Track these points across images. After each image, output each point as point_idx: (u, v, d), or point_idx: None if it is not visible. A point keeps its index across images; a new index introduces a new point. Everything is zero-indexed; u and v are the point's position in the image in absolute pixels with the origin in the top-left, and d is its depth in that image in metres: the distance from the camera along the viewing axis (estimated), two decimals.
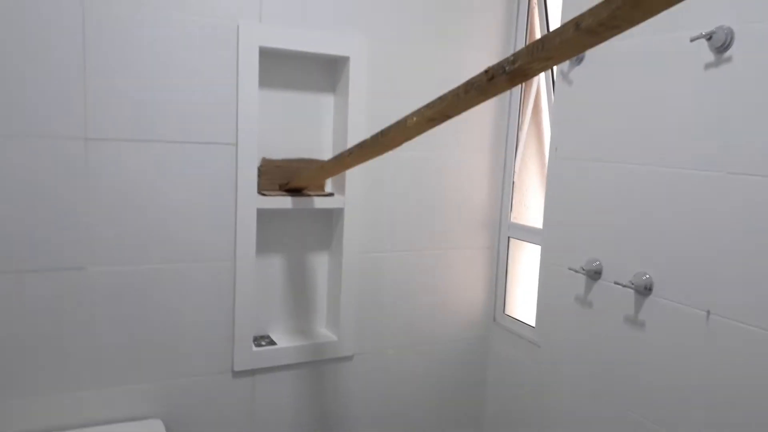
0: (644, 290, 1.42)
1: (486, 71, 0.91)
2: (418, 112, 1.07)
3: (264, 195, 1.63)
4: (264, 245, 1.72)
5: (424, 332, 1.95)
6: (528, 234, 1.96)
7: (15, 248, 1.36)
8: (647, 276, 1.42)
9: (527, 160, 2.06)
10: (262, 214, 1.67)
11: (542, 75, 1.95)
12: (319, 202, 1.71)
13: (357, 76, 1.70)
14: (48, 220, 1.38)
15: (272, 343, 1.73)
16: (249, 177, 1.59)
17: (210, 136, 1.52)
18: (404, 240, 1.86)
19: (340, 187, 1.76)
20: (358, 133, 1.70)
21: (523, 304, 2.07)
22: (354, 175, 1.73)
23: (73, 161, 1.39)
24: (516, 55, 0.86)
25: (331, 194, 1.75)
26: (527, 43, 1.94)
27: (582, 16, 0.73)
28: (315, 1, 1.62)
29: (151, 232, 1.49)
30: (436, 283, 1.95)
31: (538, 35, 1.95)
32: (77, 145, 1.38)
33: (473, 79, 0.94)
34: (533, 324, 1.88)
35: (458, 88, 0.96)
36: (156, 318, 1.53)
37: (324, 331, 1.85)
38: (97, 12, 1.37)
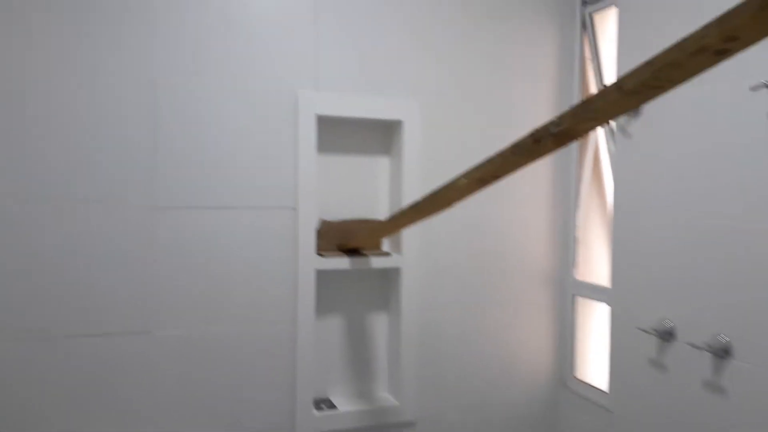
0: (722, 353, 1.32)
1: (532, 134, 0.91)
2: (467, 174, 1.08)
3: (322, 256, 1.67)
4: (323, 306, 1.74)
5: (489, 395, 1.88)
6: (595, 292, 1.88)
7: (85, 312, 1.45)
8: (724, 337, 1.32)
9: (590, 214, 2.00)
10: (321, 275, 1.71)
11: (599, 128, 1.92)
12: (377, 262, 1.72)
13: (410, 138, 1.74)
14: (117, 285, 1.47)
15: (333, 406, 1.72)
16: (308, 239, 1.64)
17: (271, 201, 1.59)
18: (464, 298, 1.83)
19: (397, 246, 1.77)
20: (412, 193, 1.72)
21: (593, 366, 1.96)
22: (411, 233, 1.74)
23: (141, 228, 1.48)
24: (561, 118, 0.86)
25: (387, 253, 1.76)
26: (580, 100, 1.93)
27: (624, 78, 0.72)
28: (368, 68, 1.69)
29: (214, 296, 1.55)
30: (499, 343, 1.89)
31: (593, 90, 1.94)
32: (145, 212, 1.48)
33: (520, 141, 0.94)
34: (605, 388, 1.77)
35: (505, 150, 0.97)
36: (218, 380, 1.57)
37: (385, 395, 1.83)
38: (166, 85, 1.49)
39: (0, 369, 1.39)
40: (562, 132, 0.87)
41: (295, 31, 1.61)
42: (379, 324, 1.84)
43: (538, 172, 1.90)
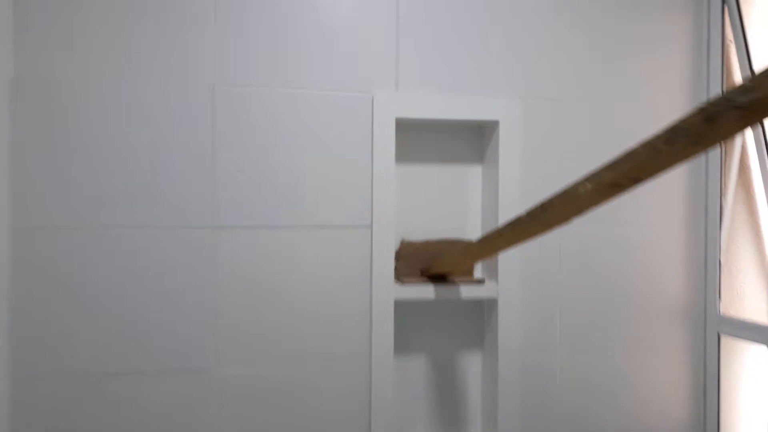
0: None
1: (702, 110, 0.61)
2: (593, 177, 0.79)
3: (402, 283, 1.42)
4: (403, 341, 1.49)
5: None
6: (747, 330, 1.47)
7: (143, 348, 1.29)
8: None
9: (736, 235, 1.60)
10: (400, 305, 1.45)
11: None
12: (467, 291, 1.44)
13: (508, 141, 1.45)
14: (172, 316, 1.30)
15: None
16: (385, 263, 1.39)
17: (342, 218, 1.37)
18: (578, 337, 1.50)
19: (493, 272, 1.48)
20: (511, 208, 1.43)
21: (745, 423, 1.54)
22: (510, 256, 1.45)
23: (200, 251, 1.31)
24: (756, 80, 0.56)
25: (481, 281, 1.47)
26: (724, 88, 1.55)
27: None
28: (455, 62, 1.43)
29: (280, 330, 1.34)
30: (622, 392, 1.53)
31: (737, 76, 1.55)
32: (205, 234, 1.31)
33: (680, 123, 0.64)
34: None
35: (656, 138, 0.67)
36: (285, 421, 1.34)
37: None
38: (226, 96, 1.32)
39: (43, 409, 1.25)
40: (756, 102, 0.56)
41: (372, 24, 1.39)
42: (471, 365, 1.54)
43: (670, 182, 1.54)
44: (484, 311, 1.53)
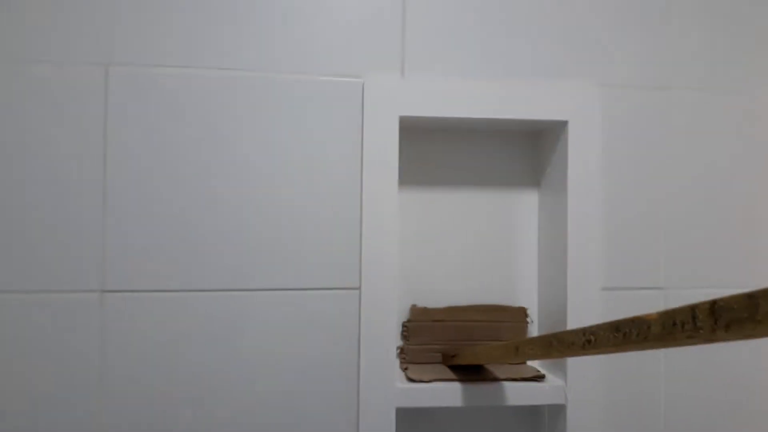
0: None
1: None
2: None
3: (411, 380, 0.89)
4: None
5: None
6: None
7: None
8: None
9: None
10: (407, 417, 0.93)
11: None
12: (517, 393, 0.89)
13: (583, 153, 0.91)
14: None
15: None
16: (381, 346, 0.87)
17: (310, 276, 0.86)
18: None
19: (558, 362, 0.93)
20: (586, 254, 0.89)
21: None
22: None
23: (86, 325, 0.83)
24: None
25: (539, 376, 0.92)
26: None
27: None
28: (492, 32, 0.92)
29: None
30: None
31: None
32: (92, 302, 0.83)
33: None
34: None
35: None
36: None
37: None
38: (123, 78, 0.85)
39: None
40: None
41: None
42: None
43: None
44: (543, 422, 0.97)
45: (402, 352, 0.96)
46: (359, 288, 0.87)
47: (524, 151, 1.00)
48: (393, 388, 0.86)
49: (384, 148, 0.88)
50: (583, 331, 0.46)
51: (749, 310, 0.28)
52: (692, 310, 0.33)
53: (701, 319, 0.32)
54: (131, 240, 0.83)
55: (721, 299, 0.31)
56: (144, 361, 0.82)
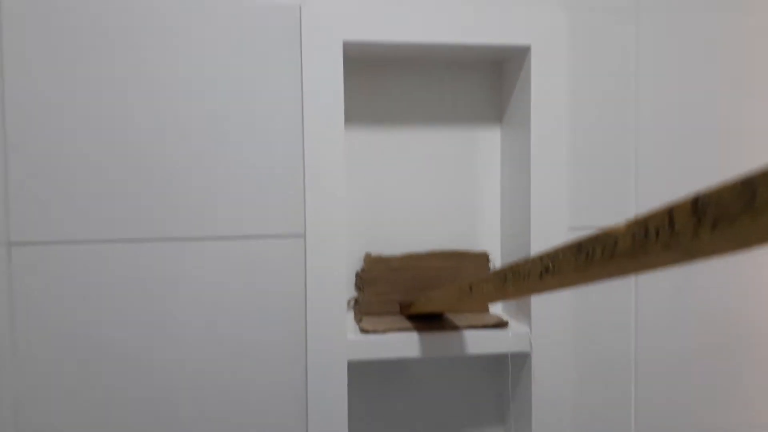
0: None
1: None
2: None
3: (366, 331, 0.82)
4: (368, 426, 0.90)
5: None
6: None
7: None
8: None
9: None
10: (360, 370, 0.87)
11: None
12: (478, 342, 0.83)
13: (547, 82, 0.84)
14: None
15: None
16: (331, 296, 0.80)
17: (249, 223, 0.78)
18: (668, 414, 0.88)
19: (522, 306, 0.87)
20: (550, 195, 0.83)
21: None
22: None
23: None
24: None
25: (502, 323, 0.87)
26: None
27: None
28: None
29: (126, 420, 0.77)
30: None
31: None
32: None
33: None
34: None
35: None
36: None
37: None
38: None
39: None
40: None
41: None
42: None
43: None
44: (507, 371, 0.92)
45: (356, 303, 0.89)
46: (304, 235, 0.79)
47: (484, 84, 0.92)
48: (344, 340, 0.79)
49: (327, 80, 0.78)
50: (540, 257, 0.39)
51: (743, 198, 0.21)
52: (669, 212, 0.26)
53: (681, 222, 0.25)
54: (38, 185, 0.73)
55: (706, 192, 0.23)
56: (60, 322, 0.74)
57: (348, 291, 0.89)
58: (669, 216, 0.26)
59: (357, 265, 0.89)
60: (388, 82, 0.89)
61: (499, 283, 0.48)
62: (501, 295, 0.49)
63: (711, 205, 0.23)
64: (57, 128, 0.73)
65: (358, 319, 0.87)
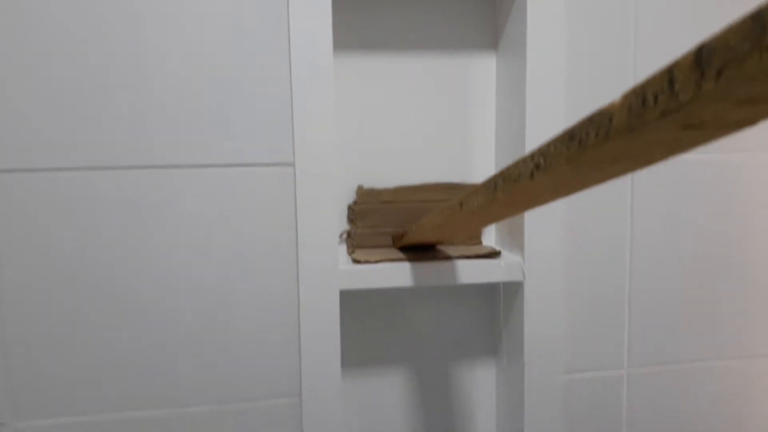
0: None
1: None
2: None
3: (358, 261, 0.82)
4: (359, 357, 0.91)
5: None
6: None
7: None
8: None
9: None
10: (352, 300, 0.87)
11: None
12: (470, 271, 0.83)
13: (545, 6, 0.80)
14: None
15: None
16: (323, 227, 0.78)
17: (236, 151, 0.76)
18: (662, 344, 0.89)
19: (515, 236, 0.86)
20: (547, 125, 0.81)
21: None
22: (544, 210, 0.83)
23: None
24: None
25: (494, 252, 0.86)
26: None
27: None
28: None
29: (118, 362, 0.76)
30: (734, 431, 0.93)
31: None
32: None
33: None
34: None
35: None
36: None
37: None
38: None
39: None
40: None
41: None
42: (477, 388, 0.95)
43: None
44: (499, 301, 0.92)
45: (349, 236, 0.88)
46: (293, 164, 0.77)
47: (479, 8, 0.89)
48: (336, 269, 0.79)
49: (314, 4, 0.75)
50: (531, 155, 0.37)
51: (752, 35, 0.19)
52: (669, 72, 0.24)
53: (681, 80, 0.23)
54: (20, 111, 0.70)
55: (711, 39, 0.22)
56: (45, 253, 0.72)
57: (340, 224, 0.88)
58: (669, 76, 0.24)
59: (349, 198, 0.88)
60: (379, 6, 0.86)
61: (489, 192, 0.46)
62: (492, 207, 0.48)
63: (716, 52, 0.21)
64: (35, 50, 0.70)
65: (351, 252, 0.86)
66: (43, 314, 0.73)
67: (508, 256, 0.85)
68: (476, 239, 0.91)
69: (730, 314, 0.90)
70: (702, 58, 0.22)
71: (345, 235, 0.89)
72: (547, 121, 0.81)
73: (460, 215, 0.56)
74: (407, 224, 0.87)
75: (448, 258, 0.83)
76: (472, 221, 0.59)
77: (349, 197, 0.88)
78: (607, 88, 0.83)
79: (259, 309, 0.78)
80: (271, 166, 0.76)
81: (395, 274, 0.81)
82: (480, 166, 0.91)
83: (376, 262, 0.81)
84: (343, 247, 0.89)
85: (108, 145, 0.72)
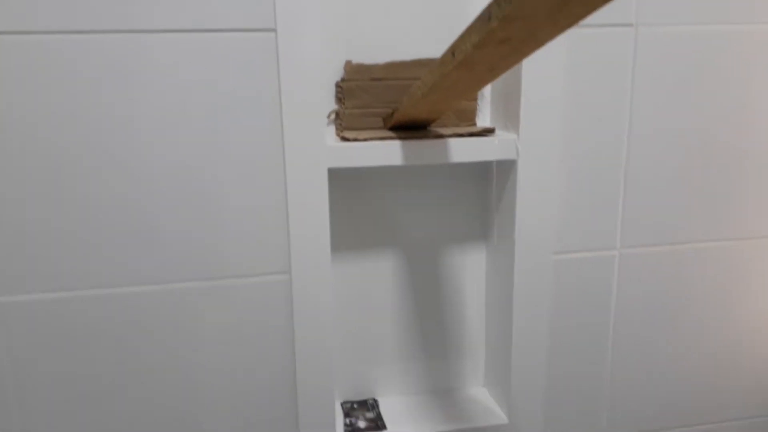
0: None
1: None
2: None
3: (346, 139, 0.78)
4: (351, 238, 0.89)
5: (696, 410, 0.97)
6: None
7: None
8: None
9: None
10: (340, 178, 0.84)
11: None
12: (462, 149, 0.80)
13: None
14: None
15: (379, 423, 0.91)
16: (308, 100, 0.74)
17: (212, 16, 0.70)
18: (656, 224, 0.88)
19: (511, 115, 0.83)
20: None
21: None
22: (544, 87, 0.78)
23: None
24: None
25: (488, 130, 0.83)
26: None
27: None
28: None
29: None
30: (724, 314, 0.94)
31: None
32: None
33: None
34: None
35: None
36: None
37: (480, 399, 0.98)
38: None
39: None
40: None
41: None
42: (468, 269, 0.95)
43: None
44: (492, 181, 0.90)
45: (337, 117, 0.85)
46: (275, 29, 0.72)
47: None
48: (323, 146, 0.76)
49: None
50: None
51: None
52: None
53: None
54: None
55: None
56: (24, 120, 0.69)
57: (328, 104, 0.84)
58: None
59: (337, 75, 0.83)
60: None
61: (482, 26, 0.42)
62: (488, 43, 0.44)
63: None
64: None
65: (339, 132, 0.83)
66: (22, 181, 0.71)
67: (502, 134, 0.82)
68: (470, 120, 0.87)
69: (727, 195, 0.89)
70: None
71: (333, 116, 0.85)
72: None
73: (453, 70, 0.52)
74: (395, 100, 0.83)
75: (440, 136, 0.79)
76: (466, 76, 0.55)
77: (337, 74, 0.83)
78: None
79: (245, 185, 0.75)
80: (250, 32, 0.71)
81: (385, 152, 0.78)
82: None
83: (365, 140, 0.78)
84: (332, 128, 0.85)
85: (82, 8, 0.67)
